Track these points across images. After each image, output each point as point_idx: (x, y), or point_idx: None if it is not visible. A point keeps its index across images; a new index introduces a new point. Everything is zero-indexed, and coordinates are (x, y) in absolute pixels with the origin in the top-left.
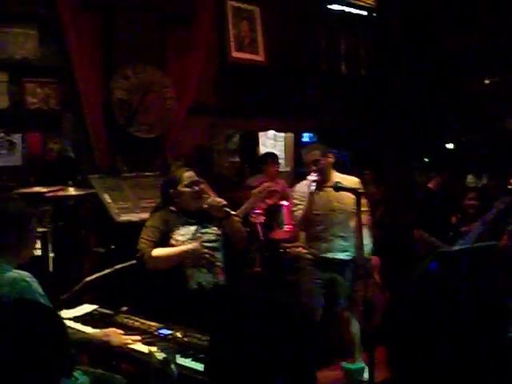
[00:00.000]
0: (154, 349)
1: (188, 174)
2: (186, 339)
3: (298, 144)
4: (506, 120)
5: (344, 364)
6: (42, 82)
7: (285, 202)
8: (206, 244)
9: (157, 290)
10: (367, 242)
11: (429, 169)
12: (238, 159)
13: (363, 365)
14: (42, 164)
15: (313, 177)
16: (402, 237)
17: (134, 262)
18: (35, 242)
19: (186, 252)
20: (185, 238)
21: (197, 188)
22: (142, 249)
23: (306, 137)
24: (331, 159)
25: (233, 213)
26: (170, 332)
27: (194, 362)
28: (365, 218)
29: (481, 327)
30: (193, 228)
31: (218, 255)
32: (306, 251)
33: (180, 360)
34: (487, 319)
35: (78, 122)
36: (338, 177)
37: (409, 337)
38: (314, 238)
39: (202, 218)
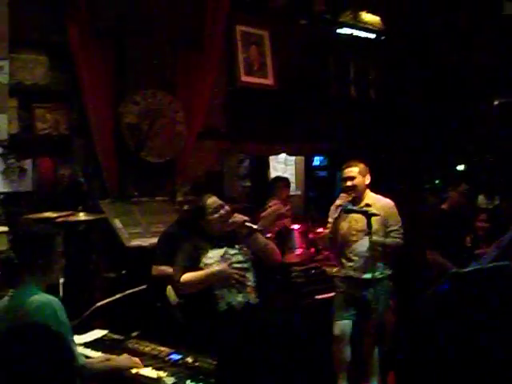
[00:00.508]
0: (163, 374)
1: (211, 201)
2: (196, 364)
3: (308, 168)
4: None
5: None
6: (51, 107)
7: (295, 226)
8: (236, 265)
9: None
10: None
11: (440, 190)
12: (248, 183)
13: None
14: (52, 190)
15: (339, 201)
16: (415, 259)
17: (145, 287)
18: (62, 263)
19: (213, 274)
20: (213, 261)
21: (223, 212)
22: (173, 275)
23: (316, 160)
24: (367, 179)
25: (255, 227)
26: (180, 357)
27: None
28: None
29: (495, 348)
30: (222, 250)
31: (249, 275)
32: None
33: None
34: (501, 340)
35: (88, 147)
36: (371, 197)
37: (422, 359)
38: (341, 256)
39: (231, 239)
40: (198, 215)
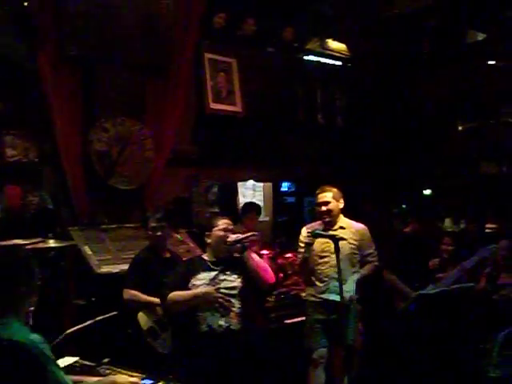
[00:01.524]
0: None
1: (225, 221)
2: None
3: (276, 193)
4: (481, 164)
5: None
6: (21, 134)
7: (265, 251)
8: (223, 290)
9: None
10: (350, 287)
11: (406, 215)
12: (217, 210)
13: None
14: (21, 217)
15: (309, 229)
16: (382, 282)
17: (116, 313)
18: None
19: (197, 296)
20: (201, 283)
21: (229, 234)
22: (163, 293)
23: (284, 186)
24: (341, 204)
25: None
26: (152, 382)
27: None
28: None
29: (459, 367)
30: (213, 273)
31: (235, 302)
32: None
33: None
34: (465, 359)
35: (58, 174)
36: (345, 221)
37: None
38: (313, 277)
39: (226, 265)
40: (206, 229)
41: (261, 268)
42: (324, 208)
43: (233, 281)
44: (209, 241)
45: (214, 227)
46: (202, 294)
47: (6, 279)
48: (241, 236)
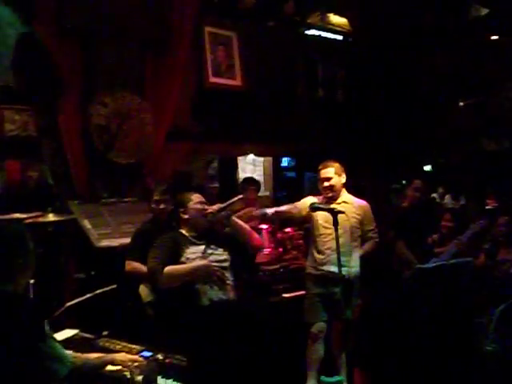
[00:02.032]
0: (134, 369)
1: (197, 195)
2: (167, 361)
3: (277, 168)
4: (482, 141)
5: (322, 378)
6: (19, 108)
7: (264, 226)
8: (215, 264)
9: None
10: (356, 263)
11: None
12: (217, 185)
13: (342, 378)
14: (20, 191)
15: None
16: (380, 258)
17: (115, 286)
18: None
19: (197, 268)
20: (195, 256)
21: (206, 206)
22: (151, 268)
23: (284, 161)
24: (343, 179)
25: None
26: (151, 354)
27: (174, 383)
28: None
29: (456, 341)
30: (201, 247)
31: (228, 274)
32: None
33: (161, 381)
34: (462, 334)
35: (57, 149)
36: (347, 197)
37: (382, 352)
38: (313, 250)
39: (209, 238)
40: (179, 206)
41: (247, 231)
42: (326, 183)
43: (221, 254)
44: (186, 216)
45: (187, 203)
46: (202, 266)
47: (4, 252)
48: (224, 204)
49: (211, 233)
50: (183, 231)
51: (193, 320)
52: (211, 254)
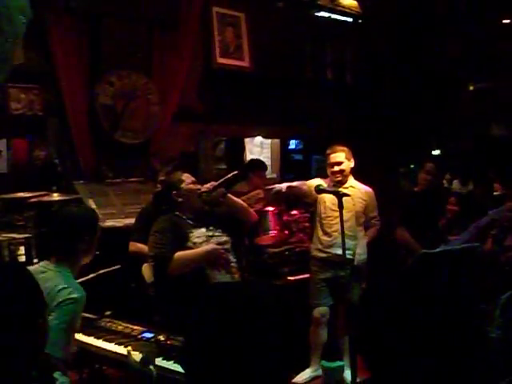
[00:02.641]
0: (132, 350)
1: (187, 175)
2: (168, 342)
3: (284, 151)
4: (491, 125)
5: (323, 362)
6: (25, 87)
7: (270, 208)
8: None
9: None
10: (363, 250)
11: (415, 175)
12: (224, 166)
13: (343, 363)
14: (27, 171)
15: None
16: (385, 243)
17: (119, 267)
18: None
19: (208, 252)
20: (201, 240)
21: (198, 186)
22: (156, 254)
23: (292, 143)
24: (352, 164)
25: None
26: (152, 335)
27: (175, 364)
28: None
29: (461, 327)
30: (203, 230)
31: (231, 256)
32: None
33: (162, 362)
34: (467, 320)
35: (63, 128)
36: (354, 182)
37: (385, 336)
38: (320, 231)
39: (206, 220)
40: (172, 187)
41: (244, 207)
42: (337, 168)
43: (221, 235)
44: (180, 199)
45: (179, 184)
46: (210, 251)
47: (72, 234)
48: (218, 181)
49: (207, 214)
50: (179, 214)
51: (203, 304)
52: (212, 236)
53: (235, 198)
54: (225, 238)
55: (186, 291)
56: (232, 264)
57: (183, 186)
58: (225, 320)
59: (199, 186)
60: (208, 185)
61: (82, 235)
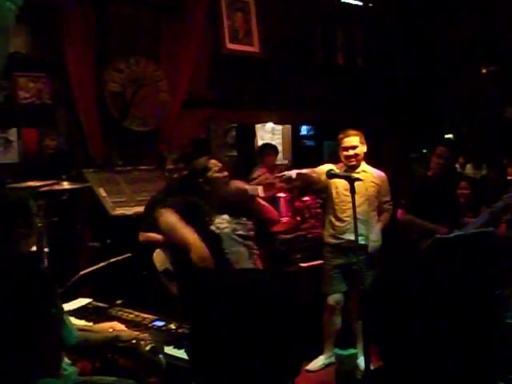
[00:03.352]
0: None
1: (214, 161)
2: (179, 331)
3: (295, 137)
4: (505, 108)
5: (336, 350)
6: (34, 76)
7: (282, 194)
8: (241, 232)
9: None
10: (377, 237)
11: (427, 160)
12: (235, 153)
13: (356, 351)
14: (38, 160)
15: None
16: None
17: (129, 255)
18: (37, 228)
19: (197, 246)
20: (224, 226)
21: (225, 173)
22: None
23: (303, 130)
24: (365, 148)
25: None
26: (163, 323)
27: (186, 353)
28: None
29: (476, 313)
30: (226, 216)
31: (254, 244)
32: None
33: (173, 351)
34: (483, 305)
35: (72, 116)
36: (366, 167)
37: (398, 323)
38: (332, 218)
39: (229, 208)
40: (198, 175)
41: (268, 209)
42: (352, 152)
43: (245, 224)
44: (207, 188)
45: (207, 172)
46: (199, 246)
47: (4, 222)
48: (253, 185)
49: (230, 203)
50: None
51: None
52: (237, 223)
53: (263, 202)
54: (249, 226)
55: (206, 278)
56: (255, 251)
57: (210, 173)
58: (243, 306)
59: (226, 173)
60: (246, 186)
61: (13, 219)
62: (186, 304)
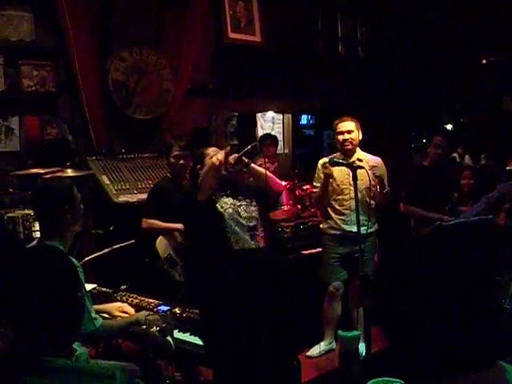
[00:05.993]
0: (152, 318)
1: (214, 149)
2: (184, 315)
3: (296, 126)
4: (504, 99)
5: (340, 332)
6: (38, 64)
7: (283, 183)
8: (245, 214)
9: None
10: (373, 220)
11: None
12: (236, 142)
13: (359, 332)
14: (40, 148)
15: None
16: (398, 215)
17: (133, 241)
18: (82, 212)
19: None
20: (227, 206)
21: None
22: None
23: (304, 119)
24: (361, 135)
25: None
26: (168, 308)
27: (191, 336)
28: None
29: (474, 297)
30: (230, 199)
31: (257, 225)
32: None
33: (178, 334)
34: (481, 292)
35: (75, 104)
36: (361, 154)
37: (398, 307)
38: (331, 210)
39: (232, 191)
40: (197, 162)
41: (268, 177)
42: (347, 136)
43: (248, 205)
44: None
45: (204, 158)
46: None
47: (53, 207)
48: (239, 154)
49: (233, 185)
50: None
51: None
52: (239, 205)
53: (260, 168)
54: (253, 208)
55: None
56: (258, 232)
57: (206, 160)
58: (247, 285)
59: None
60: (230, 159)
61: (61, 206)
62: (194, 291)
